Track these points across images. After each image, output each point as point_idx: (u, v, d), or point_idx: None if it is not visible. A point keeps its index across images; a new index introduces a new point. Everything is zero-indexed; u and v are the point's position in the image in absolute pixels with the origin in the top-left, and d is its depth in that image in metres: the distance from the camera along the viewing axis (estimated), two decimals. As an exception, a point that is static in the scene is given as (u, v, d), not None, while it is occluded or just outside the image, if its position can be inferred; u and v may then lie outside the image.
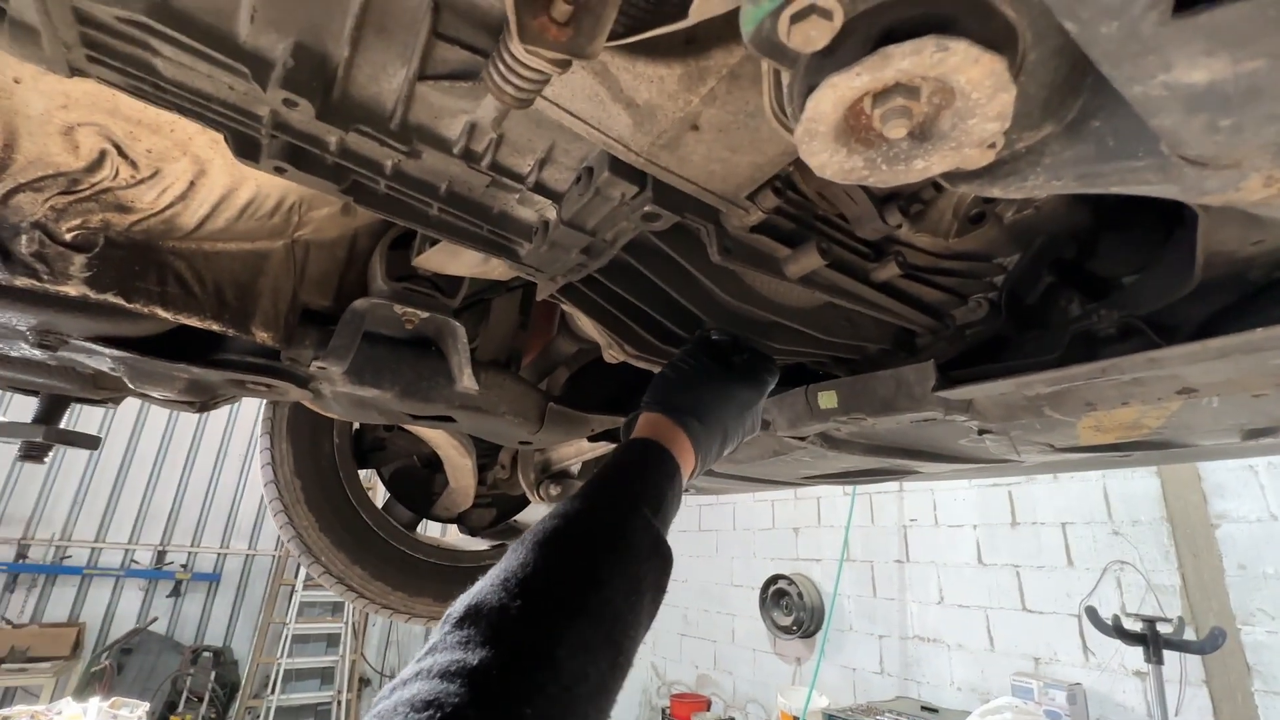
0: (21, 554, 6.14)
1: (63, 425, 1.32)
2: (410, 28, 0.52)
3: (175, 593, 6.68)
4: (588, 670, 0.49)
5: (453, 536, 1.97)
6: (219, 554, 7.09)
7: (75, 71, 0.54)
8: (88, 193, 0.73)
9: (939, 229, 0.80)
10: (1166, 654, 2.94)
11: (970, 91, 0.36)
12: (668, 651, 7.08)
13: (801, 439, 1.09)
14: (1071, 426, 0.85)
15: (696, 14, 0.39)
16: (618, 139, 0.55)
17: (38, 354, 0.93)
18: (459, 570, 1.70)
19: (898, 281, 0.82)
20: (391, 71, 0.55)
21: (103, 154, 0.71)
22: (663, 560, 0.63)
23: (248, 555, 7.18)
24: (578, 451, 1.50)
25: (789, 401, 1.04)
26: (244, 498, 7.26)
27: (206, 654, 6.41)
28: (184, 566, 6.81)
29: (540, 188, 0.66)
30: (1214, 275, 0.59)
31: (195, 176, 0.76)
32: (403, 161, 0.63)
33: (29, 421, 1.28)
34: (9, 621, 5.90)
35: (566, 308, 0.92)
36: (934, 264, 0.83)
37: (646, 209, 0.61)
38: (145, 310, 0.82)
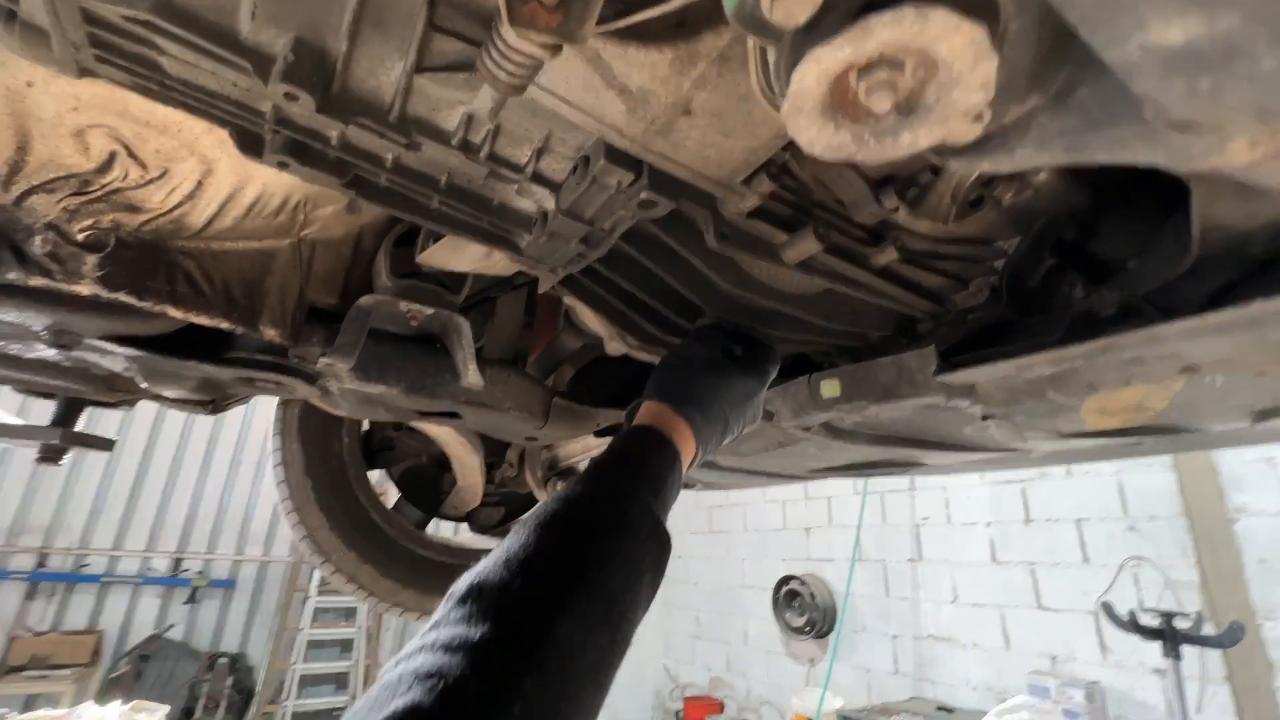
0: (41, 562, 6.24)
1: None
2: (407, 21, 0.53)
3: (192, 599, 6.75)
4: (586, 647, 0.50)
5: (465, 536, 1.99)
6: (234, 561, 7.15)
7: (84, 72, 0.56)
8: (99, 193, 0.75)
9: (938, 213, 0.81)
10: (1186, 650, 2.90)
11: (952, 61, 0.36)
12: (680, 654, 7.06)
13: (806, 429, 1.09)
14: (1075, 410, 0.85)
15: (683, -6, 0.40)
16: (612, 126, 0.56)
17: (54, 355, 0.95)
18: (468, 568, 1.71)
19: (897, 266, 0.82)
20: (389, 64, 0.56)
21: (113, 155, 0.73)
22: (661, 543, 0.63)
23: (262, 562, 7.24)
24: (584, 448, 1.51)
25: (792, 391, 1.04)
26: (258, 505, 7.32)
27: (223, 660, 6.47)
28: (200, 573, 6.88)
29: (538, 178, 0.67)
30: (1213, 251, 0.59)
31: (203, 176, 0.78)
32: (403, 154, 0.65)
33: (47, 425, 1.31)
34: (30, 629, 5.98)
35: (568, 300, 0.93)
36: (933, 249, 0.83)
37: (643, 196, 0.62)
38: (156, 309, 0.83)
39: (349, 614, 7.13)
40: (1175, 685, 2.80)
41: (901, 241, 0.78)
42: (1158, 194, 0.80)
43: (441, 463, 1.78)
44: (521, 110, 0.61)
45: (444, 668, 0.43)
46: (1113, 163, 0.41)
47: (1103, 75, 0.39)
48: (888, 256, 0.78)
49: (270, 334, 0.93)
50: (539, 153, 0.65)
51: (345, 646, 7.09)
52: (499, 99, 0.59)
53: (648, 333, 0.91)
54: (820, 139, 0.42)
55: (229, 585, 7.03)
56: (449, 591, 0.53)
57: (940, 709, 4.25)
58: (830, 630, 5.24)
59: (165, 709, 3.93)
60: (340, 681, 7.02)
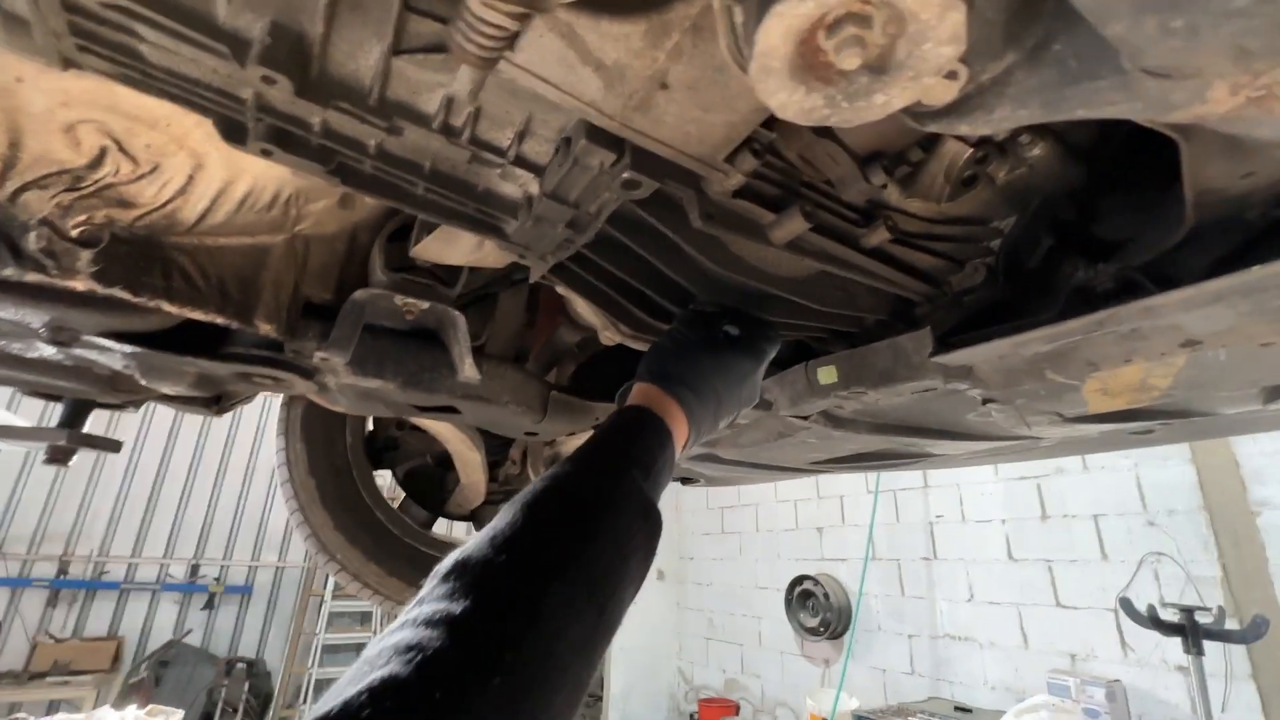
0: (62, 570, 6.34)
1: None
2: (383, 2, 0.53)
3: (209, 605, 6.83)
4: (569, 625, 0.49)
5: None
6: (250, 567, 7.23)
7: (68, 63, 0.56)
8: (91, 189, 0.76)
9: (931, 193, 0.79)
10: (1210, 647, 2.84)
11: (919, 12, 0.35)
12: (694, 656, 7.03)
13: (804, 418, 1.08)
14: (1077, 391, 0.83)
15: (647, -42, 0.40)
16: (590, 103, 0.56)
17: (55, 354, 0.96)
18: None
19: (890, 247, 0.81)
20: (368, 47, 0.56)
21: (103, 150, 0.73)
22: (651, 524, 0.63)
23: (278, 567, 7.31)
24: (586, 444, 1.50)
25: (789, 379, 1.03)
26: (273, 511, 7.39)
27: (240, 665, 6.53)
28: (217, 579, 6.97)
29: (521, 161, 0.67)
30: (1209, 217, 0.57)
31: (193, 170, 0.79)
32: (385, 140, 0.64)
33: (54, 427, 1.32)
34: (52, 636, 6.08)
35: (561, 290, 0.92)
36: (927, 229, 0.81)
37: (626, 176, 0.62)
38: (151, 304, 0.84)
39: (364, 619, 7.18)
40: (1198, 682, 2.74)
41: (893, 222, 0.77)
42: (1157, 172, 0.78)
43: (445, 462, 1.78)
44: (501, 92, 0.61)
45: (424, 641, 0.43)
46: (1092, 117, 0.40)
47: (1078, 27, 0.38)
48: (879, 237, 0.76)
49: (265, 329, 0.93)
50: (521, 135, 0.65)
51: (360, 650, 7.12)
52: (477, 78, 0.59)
53: (641, 320, 0.90)
54: (792, 102, 0.41)
55: (246, 591, 7.10)
56: (434, 569, 0.53)
57: (958, 709, 4.20)
58: (845, 630, 5.19)
59: (180, 713, 3.97)
60: (356, 686, 7.04)
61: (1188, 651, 2.77)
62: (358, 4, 0.54)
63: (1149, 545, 3.65)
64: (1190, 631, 2.73)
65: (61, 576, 6.31)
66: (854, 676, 5.04)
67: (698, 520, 7.41)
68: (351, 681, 0.41)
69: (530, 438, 1.43)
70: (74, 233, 0.77)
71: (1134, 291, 0.64)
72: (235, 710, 6.13)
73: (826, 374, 0.96)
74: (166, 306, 0.85)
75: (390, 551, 1.61)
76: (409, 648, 0.42)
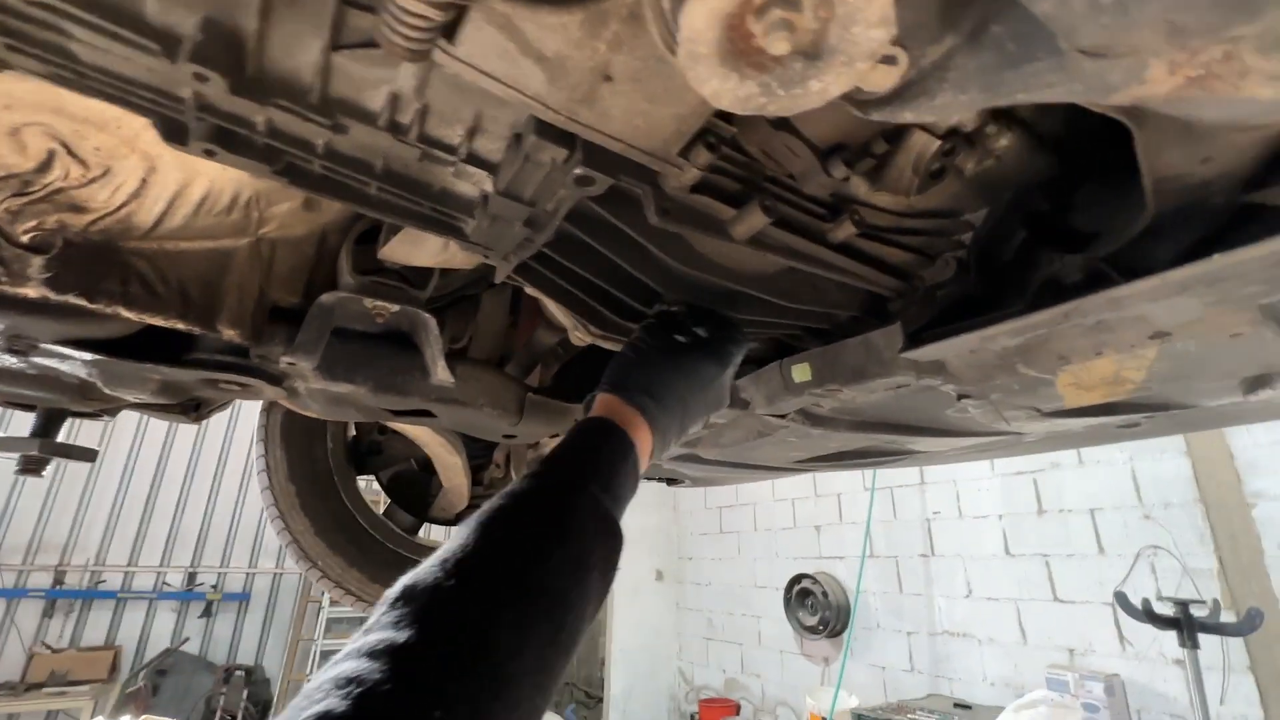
0: (58, 580, 6.31)
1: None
2: (319, -4, 0.52)
3: (207, 613, 6.80)
4: (522, 648, 0.48)
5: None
6: (247, 574, 7.20)
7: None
8: (40, 194, 0.74)
9: (899, 186, 0.78)
10: (1208, 640, 2.82)
11: (845, -6, 0.34)
12: (694, 656, 7.01)
13: (781, 416, 1.07)
14: (1051, 385, 0.82)
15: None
16: (535, 97, 0.54)
17: (15, 362, 0.94)
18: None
19: (858, 242, 0.79)
20: (306, 43, 0.55)
21: (51, 154, 0.72)
22: (612, 538, 0.61)
23: (275, 574, 7.29)
24: (569, 446, 1.49)
25: (765, 378, 1.02)
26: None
27: (239, 673, 6.50)
28: (214, 587, 6.94)
29: (473, 158, 0.65)
30: (1173, 205, 0.56)
31: (146, 174, 0.77)
32: (334, 139, 0.63)
33: (26, 436, 1.31)
34: (48, 646, 6.05)
35: (530, 290, 0.91)
36: (896, 223, 0.80)
37: (578, 172, 0.60)
38: (109, 310, 0.83)
39: (362, 624, 7.14)
40: (1193, 675, 2.73)
41: (860, 216, 0.76)
42: (1130, 159, 0.77)
43: (429, 466, 1.76)
44: (447, 87, 0.59)
45: (363, 673, 0.41)
46: (1033, 100, 0.38)
47: (1014, 7, 0.36)
48: (845, 231, 0.75)
49: (229, 334, 0.92)
50: (472, 132, 0.63)
51: (359, 656, 7.09)
52: (421, 74, 0.58)
53: (609, 320, 0.89)
54: (725, 90, 0.40)
55: (243, 598, 7.08)
56: (384, 594, 0.52)
57: (957, 705, 4.18)
58: (844, 629, 5.17)
59: (176, 722, 3.94)
60: (355, 692, 7.02)
61: (1183, 645, 2.76)
62: (294, -1, 0.52)
63: (1145, 539, 3.64)
64: (1185, 625, 2.71)
65: (57, 586, 6.29)
66: (853, 674, 5.02)
67: (696, 520, 7.40)
68: (290, 717, 0.40)
69: (510, 440, 1.42)
70: (24, 239, 0.76)
71: (1101, 283, 0.63)
72: (234, 718, 6.11)
73: (801, 372, 0.95)
74: (124, 313, 0.84)
75: (374, 557, 1.59)
76: (347, 681, 0.40)
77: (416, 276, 1.04)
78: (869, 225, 0.78)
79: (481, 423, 1.20)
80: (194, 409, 1.36)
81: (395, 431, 1.73)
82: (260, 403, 1.57)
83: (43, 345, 0.87)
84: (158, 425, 6.95)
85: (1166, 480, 3.61)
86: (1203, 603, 2.88)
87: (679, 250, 0.74)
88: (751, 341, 0.89)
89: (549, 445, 1.57)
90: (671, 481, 1.75)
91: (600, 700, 7.08)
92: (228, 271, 0.92)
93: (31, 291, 0.77)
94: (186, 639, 6.63)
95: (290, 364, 0.96)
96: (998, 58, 0.37)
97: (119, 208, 0.79)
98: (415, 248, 0.94)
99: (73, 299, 0.79)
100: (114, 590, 6.53)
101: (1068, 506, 4.06)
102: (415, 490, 1.81)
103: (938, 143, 0.74)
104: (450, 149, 0.64)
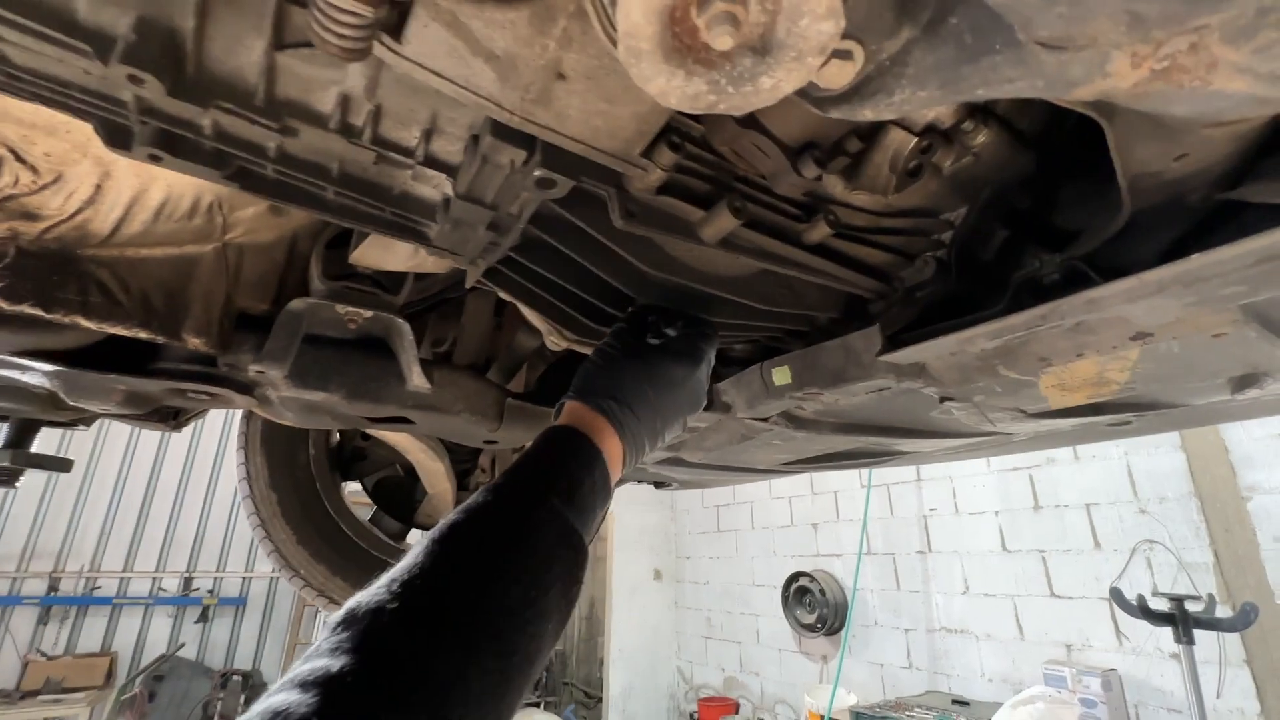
0: (53, 587, 6.28)
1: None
2: (258, -6, 0.49)
3: (203, 618, 6.77)
4: (468, 673, 0.46)
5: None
6: (244, 578, 7.17)
7: (-71, 67, 0.52)
8: (-10, 201, 0.72)
9: (876, 185, 0.76)
10: (1203, 634, 2.81)
11: (788, -16, 0.32)
12: (693, 655, 7.00)
13: (764, 420, 1.05)
14: (1034, 387, 0.80)
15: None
16: (488, 97, 0.52)
17: (-26, 374, 0.92)
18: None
19: (834, 243, 0.77)
20: (249, 43, 0.53)
21: (-1, 160, 0.69)
22: (573, 551, 0.59)
23: (272, 578, 7.25)
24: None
25: (745, 381, 1.00)
26: (265, 521, 7.33)
27: (236, 677, 6.48)
28: (210, 592, 6.91)
29: (432, 161, 0.63)
30: (1149, 204, 0.54)
31: (100, 179, 0.75)
32: (285, 142, 0.61)
33: (-1, 447, 1.28)
34: (43, 654, 6.02)
35: (502, 295, 0.89)
36: (874, 223, 0.78)
37: (538, 174, 0.58)
38: (67, 320, 0.80)
39: (360, 627, 7.12)
40: (1189, 671, 2.72)
41: (835, 216, 0.74)
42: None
43: (415, 471, 1.74)
44: (399, 87, 0.57)
45: (290, 706, 0.39)
46: (994, 96, 0.36)
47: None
48: (820, 232, 0.73)
49: (195, 343, 0.90)
50: (428, 134, 0.61)
51: (358, 659, 7.07)
52: (370, 74, 0.56)
53: (583, 325, 0.86)
54: (672, 88, 0.38)
55: (240, 602, 7.05)
56: (330, 616, 0.49)
57: (956, 702, 4.18)
58: (842, 626, 5.16)
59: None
60: (353, 695, 7.00)
61: (1179, 641, 2.75)
62: (233, -4, 0.50)
63: (1141, 533, 3.63)
64: (1180, 621, 2.70)
65: (52, 593, 6.25)
66: (852, 672, 5.01)
67: (693, 519, 7.38)
68: None
69: (493, 446, 1.40)
70: (-25, 248, 0.74)
71: (1078, 283, 0.61)
72: (231, 723, 6.09)
73: (781, 375, 0.93)
74: (84, 322, 0.81)
75: (358, 566, 1.57)
76: (274, 714, 0.38)
77: (390, 281, 1.02)
78: (845, 225, 0.76)
79: (460, 429, 1.18)
80: (172, 417, 1.34)
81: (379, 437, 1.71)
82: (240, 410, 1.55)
83: (1, 357, 0.85)
84: (152, 431, 6.91)
85: (1162, 475, 3.61)
86: (1198, 598, 2.87)
87: (649, 253, 0.72)
88: (720, 339, 0.87)
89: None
90: (659, 485, 1.73)
91: (599, 700, 7.07)
92: (192, 279, 0.90)
93: (-17, 302, 0.75)
94: (183, 644, 6.60)
95: (260, 372, 0.94)
96: (956, 52, 0.35)
97: (74, 214, 0.76)
98: (386, 252, 0.92)
99: (28, 309, 0.77)
100: (109, 596, 6.49)
101: (1064, 502, 4.05)
102: (401, 496, 1.79)
103: (914, 140, 0.72)
104: (407, 151, 0.62)
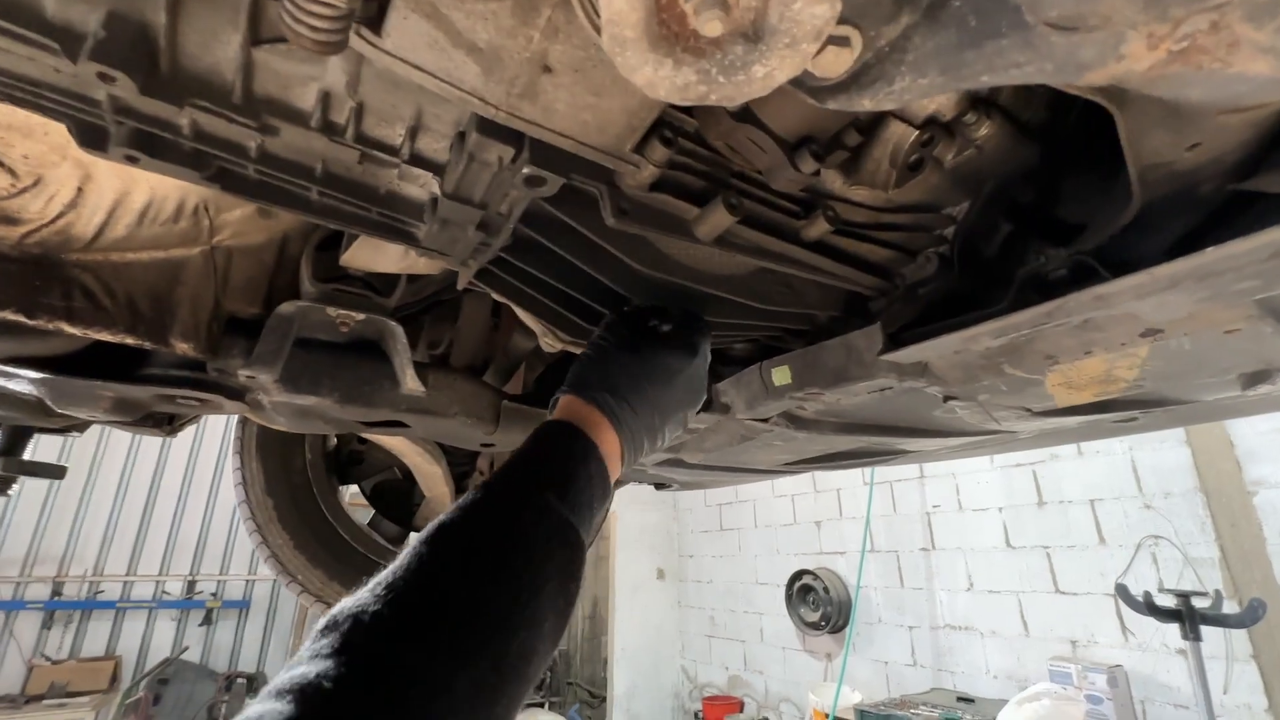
0: (57, 591, 6.28)
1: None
2: (232, -13, 0.48)
3: (207, 621, 6.77)
4: (454, 680, 0.44)
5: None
6: (247, 580, 7.16)
7: (-103, 68, 0.51)
8: (-33, 206, 0.70)
9: (876, 180, 0.74)
10: (1209, 630, 2.79)
11: (780, -34, 0.30)
12: (697, 654, 6.99)
13: (764, 420, 1.03)
14: (1040, 385, 0.78)
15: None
16: (472, 92, 0.50)
17: (-39, 381, 0.90)
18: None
19: (833, 239, 0.75)
20: (224, 38, 0.51)
21: (-24, 163, 0.68)
22: (570, 547, 0.57)
23: (276, 580, 7.25)
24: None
25: (745, 381, 0.98)
26: (268, 523, 7.32)
27: (241, 680, 6.47)
28: (214, 595, 6.90)
29: (418, 159, 0.61)
30: (1160, 195, 0.52)
31: (81, 182, 0.73)
32: (266, 141, 0.59)
33: (-8, 455, 1.27)
34: (47, 658, 6.02)
35: (495, 297, 0.87)
36: (874, 218, 0.76)
37: (526, 172, 0.56)
38: (50, 326, 0.79)
39: (363, 629, 7.11)
40: (1196, 667, 2.69)
41: (834, 212, 0.72)
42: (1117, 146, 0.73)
43: (413, 475, 1.73)
44: (381, 83, 0.55)
45: (265, 716, 0.37)
46: (998, 83, 0.34)
47: (975, -23, 0.32)
48: (819, 229, 0.71)
49: (183, 348, 0.88)
50: (413, 132, 0.59)
51: (361, 661, 7.06)
52: (351, 69, 0.54)
53: (577, 326, 0.85)
54: (660, 79, 0.36)
55: (244, 605, 7.04)
56: (317, 621, 0.48)
57: (961, 699, 4.16)
58: (845, 624, 5.14)
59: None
60: (358, 696, 7.00)
61: (1185, 637, 2.72)
62: (207, -10, 0.48)
63: (1146, 529, 3.60)
64: (1187, 617, 2.68)
65: (56, 598, 6.25)
66: (856, 670, 5.00)
67: (696, 518, 7.37)
68: None
69: (490, 449, 1.38)
70: (-46, 254, 0.72)
71: (1086, 278, 0.59)
72: (236, 726, 6.08)
73: (780, 374, 0.91)
74: (68, 328, 0.80)
75: (356, 570, 1.55)
76: None
77: (382, 283, 1.00)
78: (844, 221, 0.74)
79: (456, 432, 1.17)
80: (166, 422, 1.32)
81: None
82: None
83: (-16, 364, 0.83)
84: (154, 436, 6.90)
85: (1167, 469, 3.58)
86: (1204, 594, 2.84)
87: (644, 252, 0.70)
88: (726, 340, 0.85)
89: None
90: (660, 485, 1.71)
91: (604, 699, 7.06)
92: (179, 282, 0.88)
93: (-36, 309, 0.73)
94: (187, 647, 6.59)
95: (250, 377, 0.92)
96: (959, 35, 0.33)
97: (55, 218, 0.75)
98: (377, 254, 0.90)
99: (10, 315, 0.75)
100: (113, 600, 6.49)
101: (1068, 497, 4.03)
102: (399, 499, 1.77)
103: (915, 132, 0.70)
104: (392, 150, 0.60)
